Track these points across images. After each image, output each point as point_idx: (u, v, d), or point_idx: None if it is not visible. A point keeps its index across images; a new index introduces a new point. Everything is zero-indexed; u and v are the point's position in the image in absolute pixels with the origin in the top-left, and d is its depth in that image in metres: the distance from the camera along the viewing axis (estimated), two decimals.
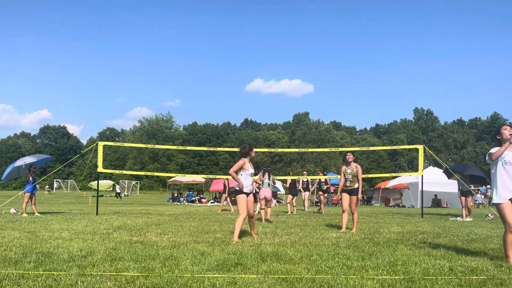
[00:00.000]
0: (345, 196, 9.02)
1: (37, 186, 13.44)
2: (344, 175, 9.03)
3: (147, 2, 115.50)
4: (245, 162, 7.40)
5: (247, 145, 7.63)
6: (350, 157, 9.06)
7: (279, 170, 71.56)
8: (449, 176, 14.38)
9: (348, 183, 8.97)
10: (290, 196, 16.62)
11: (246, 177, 7.38)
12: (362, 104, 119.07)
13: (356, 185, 8.96)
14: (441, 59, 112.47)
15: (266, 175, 11.40)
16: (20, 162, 13.58)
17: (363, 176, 16.24)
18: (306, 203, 18.35)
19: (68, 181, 68.09)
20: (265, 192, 11.34)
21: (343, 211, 9.04)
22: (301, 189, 17.06)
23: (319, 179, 17.61)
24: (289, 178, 17.12)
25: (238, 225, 7.20)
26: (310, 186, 18.09)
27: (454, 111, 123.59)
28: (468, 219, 12.95)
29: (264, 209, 11.41)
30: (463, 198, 13.50)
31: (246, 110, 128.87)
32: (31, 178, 13.04)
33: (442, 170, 15.33)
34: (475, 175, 14.32)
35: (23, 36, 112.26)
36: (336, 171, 66.49)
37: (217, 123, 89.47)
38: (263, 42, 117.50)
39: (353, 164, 9.00)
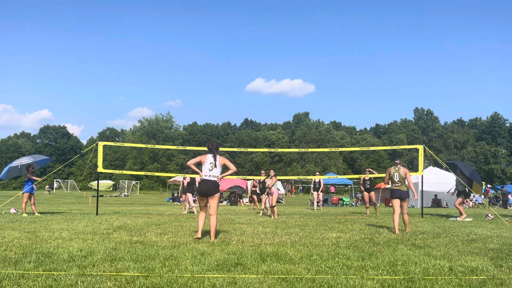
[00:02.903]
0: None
1: (35, 186, 13.44)
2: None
3: (147, 3, 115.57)
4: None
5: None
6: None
7: (279, 170, 71.54)
8: (455, 171, 14.00)
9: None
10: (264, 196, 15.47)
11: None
12: (362, 104, 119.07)
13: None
14: (442, 59, 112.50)
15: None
16: (17, 162, 13.58)
17: (363, 176, 16.27)
18: (315, 203, 18.37)
19: (68, 181, 68.10)
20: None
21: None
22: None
23: (364, 178, 16.37)
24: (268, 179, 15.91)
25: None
26: (321, 186, 18.00)
27: (454, 111, 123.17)
28: (468, 219, 12.95)
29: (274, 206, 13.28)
30: (459, 198, 13.46)
31: (246, 110, 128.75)
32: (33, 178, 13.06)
33: (452, 163, 14.49)
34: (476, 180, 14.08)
35: (23, 35, 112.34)
36: (336, 171, 66.56)
37: (217, 123, 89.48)
38: (265, 41, 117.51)
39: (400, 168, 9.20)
